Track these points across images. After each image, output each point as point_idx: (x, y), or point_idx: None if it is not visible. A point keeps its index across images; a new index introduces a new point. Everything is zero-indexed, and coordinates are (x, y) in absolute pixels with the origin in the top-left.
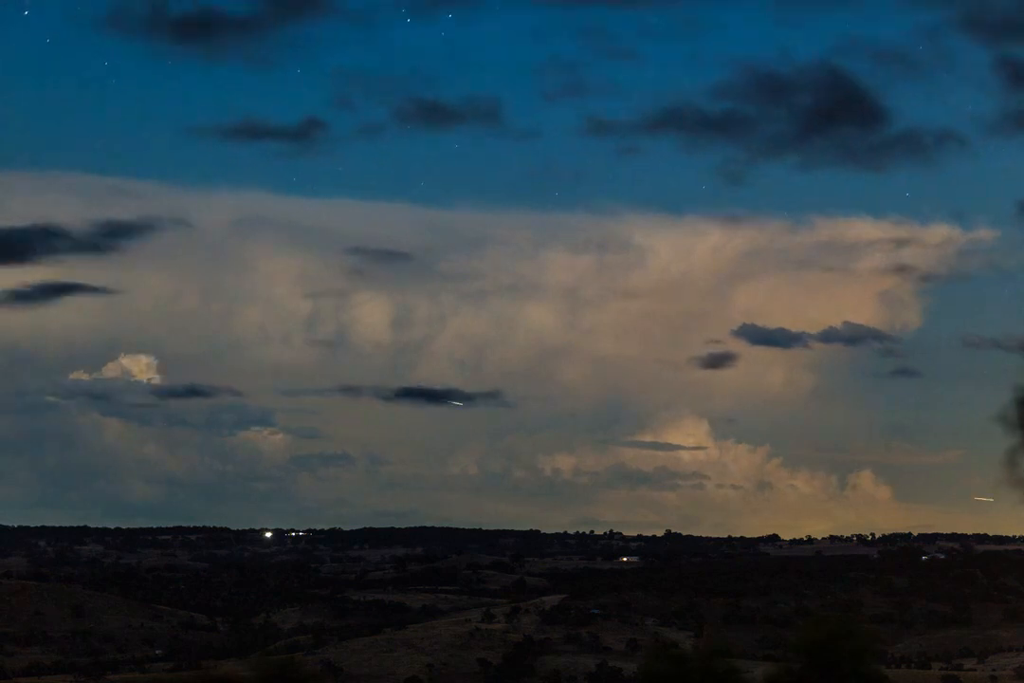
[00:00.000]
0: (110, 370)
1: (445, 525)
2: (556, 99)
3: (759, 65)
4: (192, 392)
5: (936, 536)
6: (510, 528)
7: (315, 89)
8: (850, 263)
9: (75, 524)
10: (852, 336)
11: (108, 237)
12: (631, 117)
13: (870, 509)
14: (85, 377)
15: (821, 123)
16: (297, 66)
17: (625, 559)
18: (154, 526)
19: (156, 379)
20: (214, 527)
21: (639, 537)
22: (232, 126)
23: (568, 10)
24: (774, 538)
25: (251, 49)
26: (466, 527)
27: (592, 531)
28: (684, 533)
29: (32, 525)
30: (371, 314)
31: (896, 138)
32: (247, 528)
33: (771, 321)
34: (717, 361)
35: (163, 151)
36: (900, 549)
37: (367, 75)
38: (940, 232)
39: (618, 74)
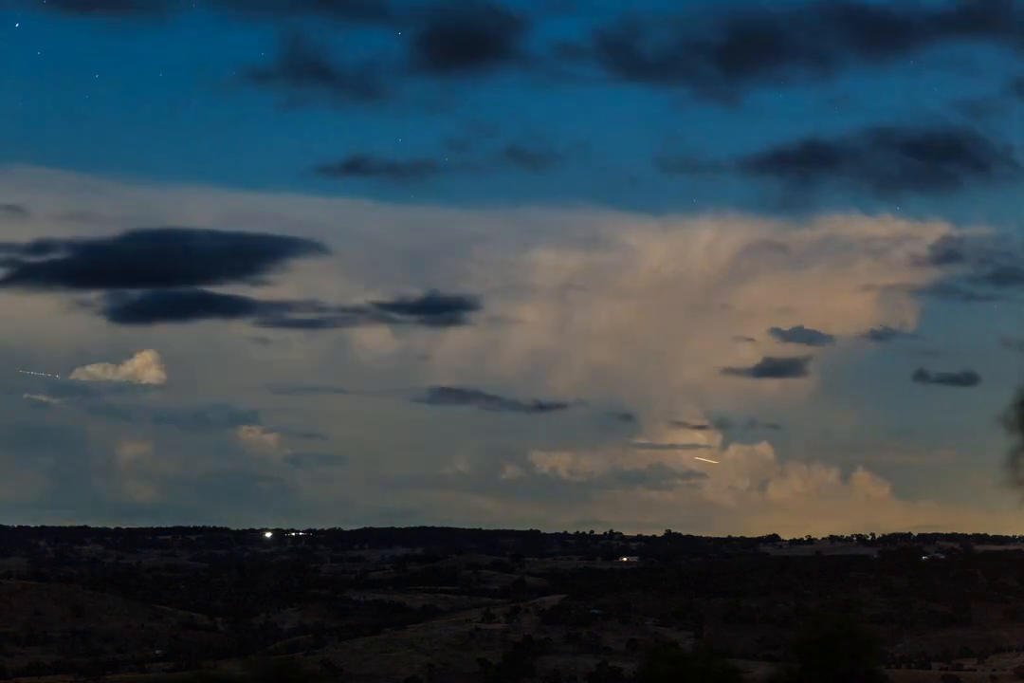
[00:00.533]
0: (110, 371)
1: (445, 525)
2: (659, 144)
3: (867, 119)
4: (193, 391)
5: (936, 536)
6: (510, 528)
7: (431, 132)
8: (862, 263)
9: (75, 524)
10: (864, 336)
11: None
12: (721, 157)
13: (870, 509)
14: (85, 377)
15: (910, 162)
16: (418, 111)
17: (625, 559)
18: (154, 526)
19: (156, 380)
20: (214, 527)
21: (639, 537)
22: (348, 163)
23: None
24: (774, 538)
25: (377, 96)
26: (466, 527)
27: (592, 531)
28: (684, 533)
29: (32, 525)
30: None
31: (969, 170)
32: (247, 528)
33: (786, 321)
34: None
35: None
36: (900, 549)
37: (480, 122)
38: (976, 233)
39: (727, 120)
